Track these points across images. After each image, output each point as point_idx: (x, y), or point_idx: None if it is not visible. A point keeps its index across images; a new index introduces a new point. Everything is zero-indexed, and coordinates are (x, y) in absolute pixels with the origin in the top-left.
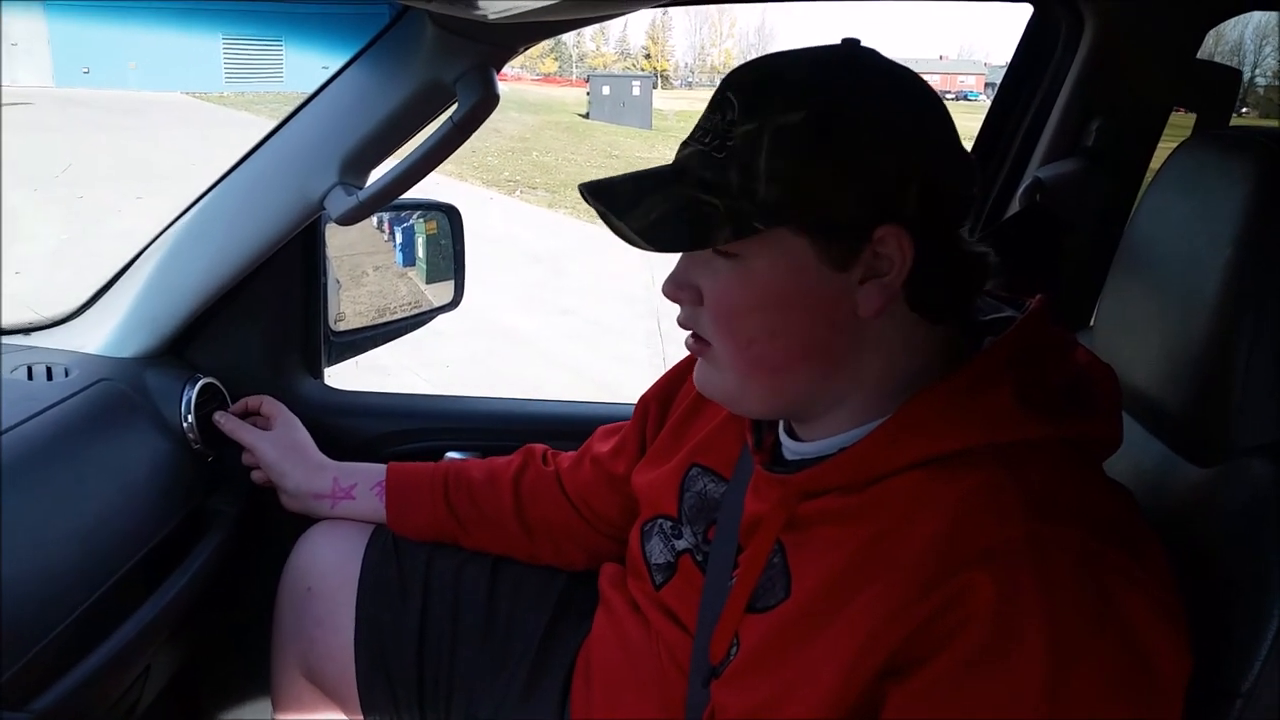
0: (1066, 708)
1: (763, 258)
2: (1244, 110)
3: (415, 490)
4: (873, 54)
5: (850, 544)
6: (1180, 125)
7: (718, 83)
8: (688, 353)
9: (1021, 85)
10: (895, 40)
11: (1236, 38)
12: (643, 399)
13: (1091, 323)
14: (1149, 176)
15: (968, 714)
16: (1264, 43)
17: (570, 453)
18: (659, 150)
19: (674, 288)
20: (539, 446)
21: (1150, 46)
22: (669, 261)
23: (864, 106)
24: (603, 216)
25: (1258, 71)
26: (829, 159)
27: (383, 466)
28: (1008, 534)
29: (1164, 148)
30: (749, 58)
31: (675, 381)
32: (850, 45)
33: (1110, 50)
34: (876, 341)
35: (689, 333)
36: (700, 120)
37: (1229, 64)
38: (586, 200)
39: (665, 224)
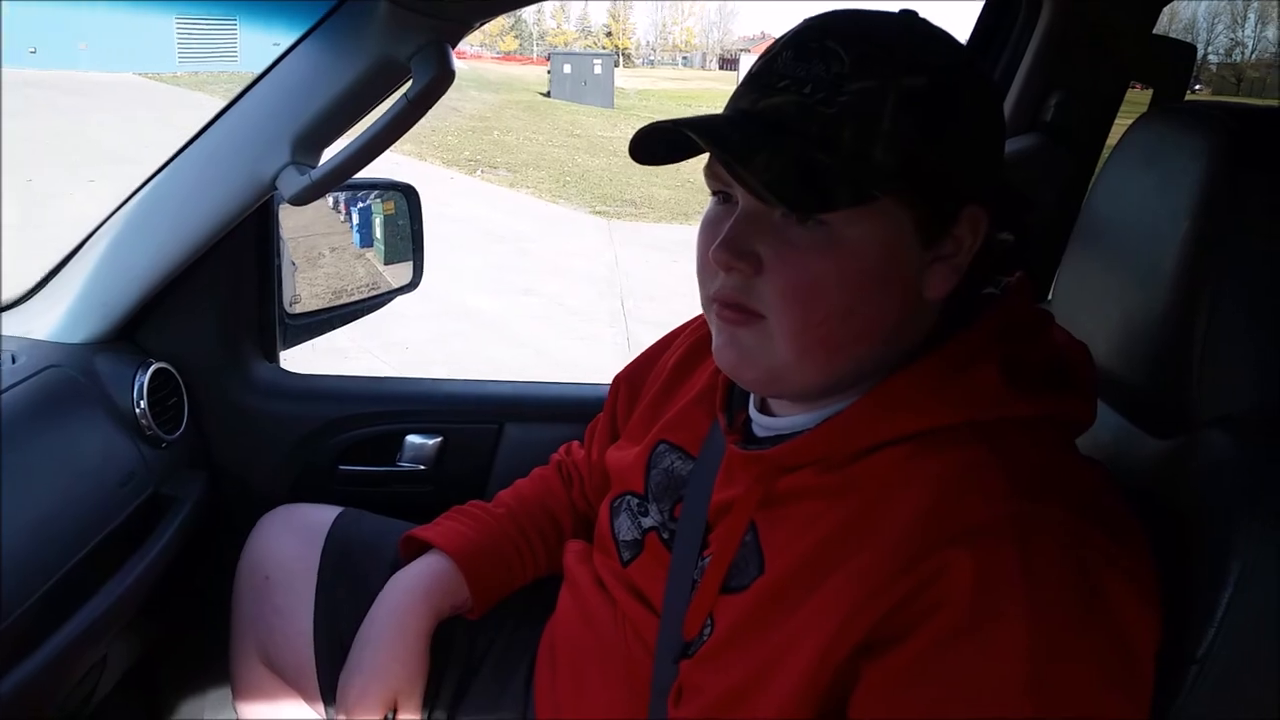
0: (1051, 695)
1: (859, 227)
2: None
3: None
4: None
5: (828, 521)
6: (1137, 101)
7: (680, 61)
8: (652, 332)
9: (980, 61)
10: None
11: (1190, 16)
12: (615, 379)
13: (1049, 296)
14: (1107, 151)
15: (944, 693)
16: (1216, 21)
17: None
18: (621, 129)
19: (731, 255)
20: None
21: (1108, 22)
22: (631, 242)
23: (979, 79)
24: (725, 164)
25: (1210, 49)
26: (952, 127)
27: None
28: (990, 511)
29: (1121, 123)
30: (711, 36)
31: (648, 363)
32: (914, 15)
33: (1069, 26)
34: (912, 321)
35: (722, 304)
36: (783, 67)
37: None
38: (697, 138)
39: (785, 180)
